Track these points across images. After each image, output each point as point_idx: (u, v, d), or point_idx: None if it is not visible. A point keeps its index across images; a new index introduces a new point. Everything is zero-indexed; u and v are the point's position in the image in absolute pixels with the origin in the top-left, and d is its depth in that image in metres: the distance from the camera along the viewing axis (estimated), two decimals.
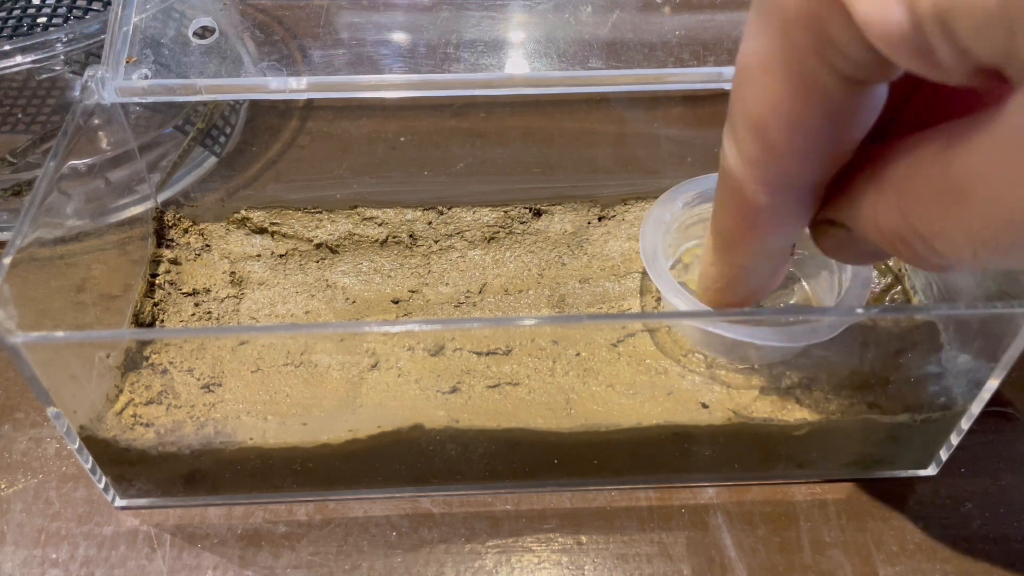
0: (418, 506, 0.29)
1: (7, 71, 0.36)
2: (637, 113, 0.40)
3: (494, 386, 0.29)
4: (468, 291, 0.34)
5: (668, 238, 0.32)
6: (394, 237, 0.35)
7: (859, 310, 0.30)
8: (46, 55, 0.36)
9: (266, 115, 0.42)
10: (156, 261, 0.34)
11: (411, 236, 0.35)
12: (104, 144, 0.33)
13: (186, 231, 0.36)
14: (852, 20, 0.16)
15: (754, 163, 0.21)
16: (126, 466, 0.28)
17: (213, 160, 0.40)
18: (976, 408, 0.28)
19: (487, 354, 0.29)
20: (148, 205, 0.36)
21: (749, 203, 0.22)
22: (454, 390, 0.28)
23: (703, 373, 0.29)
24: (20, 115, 0.40)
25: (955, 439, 0.29)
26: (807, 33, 0.17)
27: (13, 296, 0.25)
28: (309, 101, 0.42)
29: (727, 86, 0.32)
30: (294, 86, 0.32)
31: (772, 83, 0.19)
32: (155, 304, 0.33)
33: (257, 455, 0.28)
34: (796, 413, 0.28)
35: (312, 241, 0.35)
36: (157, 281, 0.34)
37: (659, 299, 0.32)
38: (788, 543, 0.28)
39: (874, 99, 0.18)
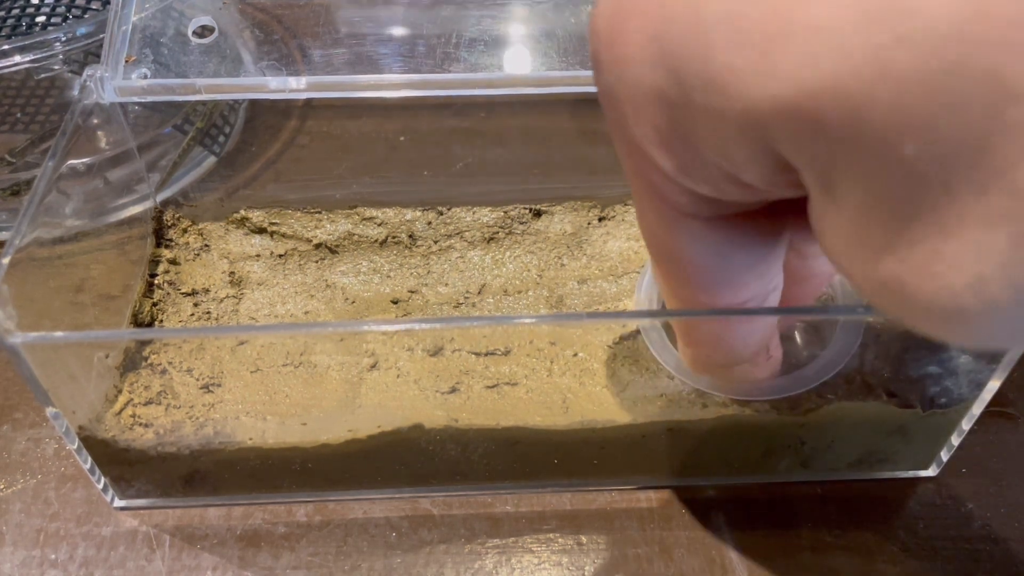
0: (418, 506, 0.29)
1: (6, 70, 0.35)
2: None
3: (493, 386, 0.29)
4: (467, 291, 0.34)
5: None
6: (394, 237, 0.35)
7: (859, 310, 0.30)
8: (45, 54, 0.36)
9: (266, 115, 0.42)
10: (155, 261, 0.34)
11: (411, 236, 0.35)
12: (103, 144, 0.33)
13: (185, 231, 0.36)
14: (660, 170, 0.18)
15: (666, 277, 0.22)
16: (125, 466, 0.28)
17: (212, 160, 0.40)
18: (977, 408, 0.28)
19: (486, 354, 0.29)
20: (147, 205, 0.36)
21: (692, 302, 0.23)
22: (453, 390, 0.28)
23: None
24: (19, 115, 0.40)
25: (956, 439, 0.29)
26: (639, 180, 0.19)
27: (12, 296, 0.25)
28: (309, 101, 0.42)
29: None
30: (294, 86, 0.31)
31: (641, 215, 0.20)
32: (154, 304, 0.33)
33: (256, 455, 0.28)
34: (798, 407, 0.28)
35: (311, 241, 0.35)
36: (156, 281, 0.34)
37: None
38: (789, 543, 0.28)
39: (726, 229, 0.19)
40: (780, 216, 0.20)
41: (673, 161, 0.17)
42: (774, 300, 0.23)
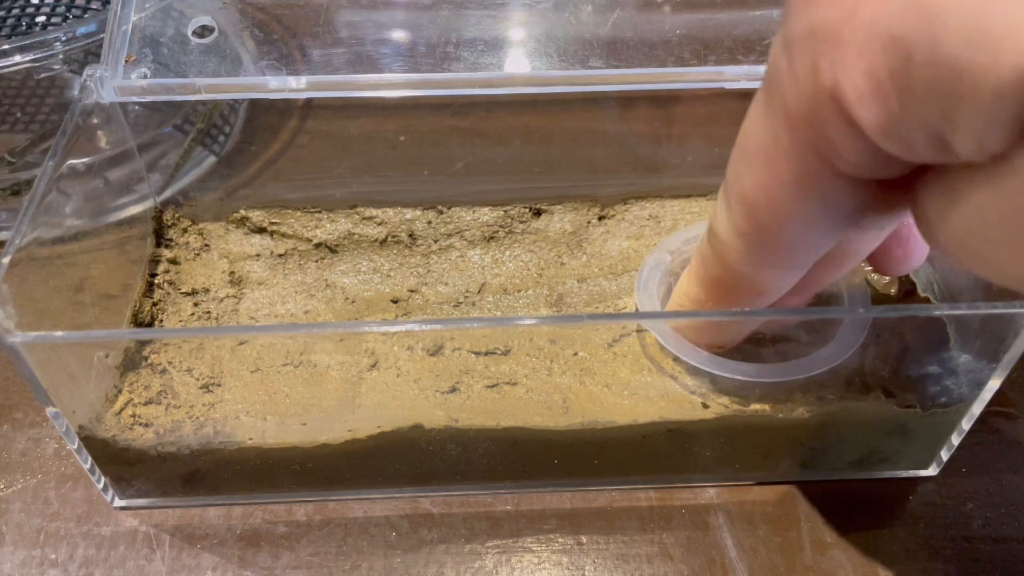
0: (418, 506, 0.29)
1: (6, 70, 0.35)
2: (637, 112, 0.40)
3: (492, 386, 0.29)
4: (467, 291, 0.34)
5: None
6: (393, 237, 0.35)
7: (860, 309, 0.30)
8: (45, 54, 0.36)
9: (265, 114, 0.42)
10: (155, 261, 0.34)
11: (410, 236, 0.35)
12: (103, 143, 0.33)
13: (185, 231, 0.36)
14: (853, 124, 0.17)
15: (742, 236, 0.22)
16: (125, 466, 0.28)
17: (212, 159, 0.40)
18: (977, 408, 0.28)
19: (486, 354, 0.29)
20: (147, 204, 0.36)
21: (730, 269, 0.23)
22: (453, 390, 0.28)
23: (701, 370, 0.29)
24: (19, 114, 0.40)
25: (956, 439, 0.29)
26: (810, 132, 0.18)
27: (12, 296, 0.25)
28: (308, 100, 0.42)
29: (728, 85, 0.32)
30: (293, 85, 0.31)
31: (770, 172, 0.19)
32: (154, 304, 0.33)
33: (256, 455, 0.28)
34: (798, 407, 0.28)
35: (311, 241, 0.35)
36: (156, 281, 0.34)
37: None
38: (789, 543, 0.28)
39: (866, 194, 0.19)
40: (882, 194, 0.19)
41: (879, 112, 0.16)
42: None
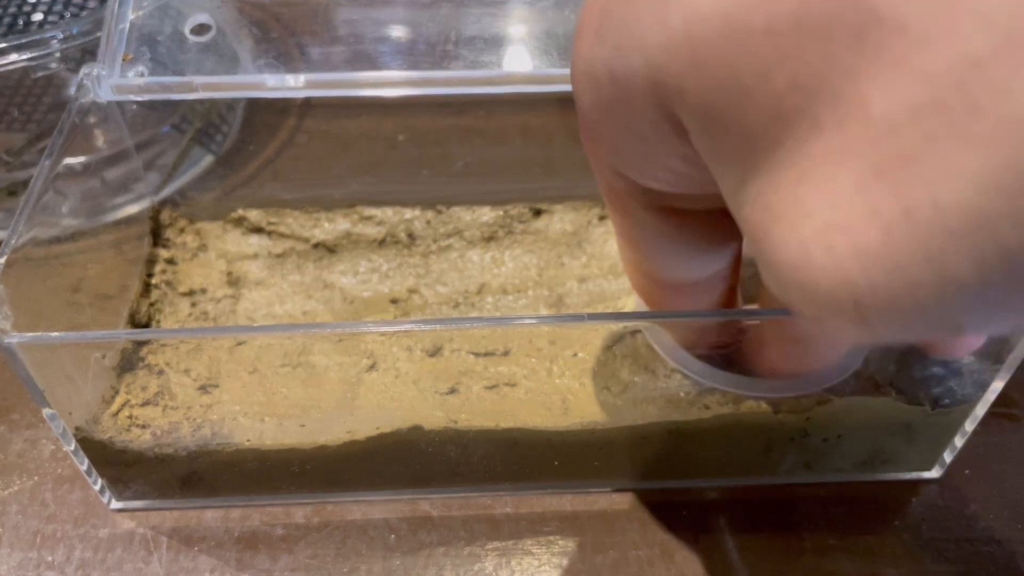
0: (417, 508, 0.29)
1: (2, 69, 0.35)
2: None
3: (492, 387, 0.28)
4: (467, 291, 0.33)
5: None
6: (392, 236, 0.35)
7: None
8: (42, 53, 0.36)
9: (264, 113, 0.42)
10: (152, 261, 0.34)
11: (410, 235, 0.35)
12: (100, 143, 0.33)
13: (182, 231, 0.35)
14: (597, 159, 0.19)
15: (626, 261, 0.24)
16: (122, 468, 0.28)
17: (210, 159, 0.39)
18: (981, 409, 0.27)
19: (485, 355, 0.29)
20: (144, 204, 0.36)
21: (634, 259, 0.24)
22: (452, 391, 0.28)
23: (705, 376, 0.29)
24: (15, 113, 0.40)
25: (959, 441, 0.29)
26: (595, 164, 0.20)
27: (8, 296, 0.24)
28: (307, 99, 0.42)
29: None
30: (292, 84, 0.31)
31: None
32: (151, 304, 0.33)
33: (254, 457, 0.28)
34: (801, 407, 0.28)
35: (310, 241, 0.35)
36: (153, 281, 0.33)
37: None
38: (791, 545, 0.28)
39: (669, 219, 0.20)
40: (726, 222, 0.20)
41: (605, 148, 0.18)
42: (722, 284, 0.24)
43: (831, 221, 0.12)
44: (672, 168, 0.17)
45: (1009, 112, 0.10)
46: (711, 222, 0.20)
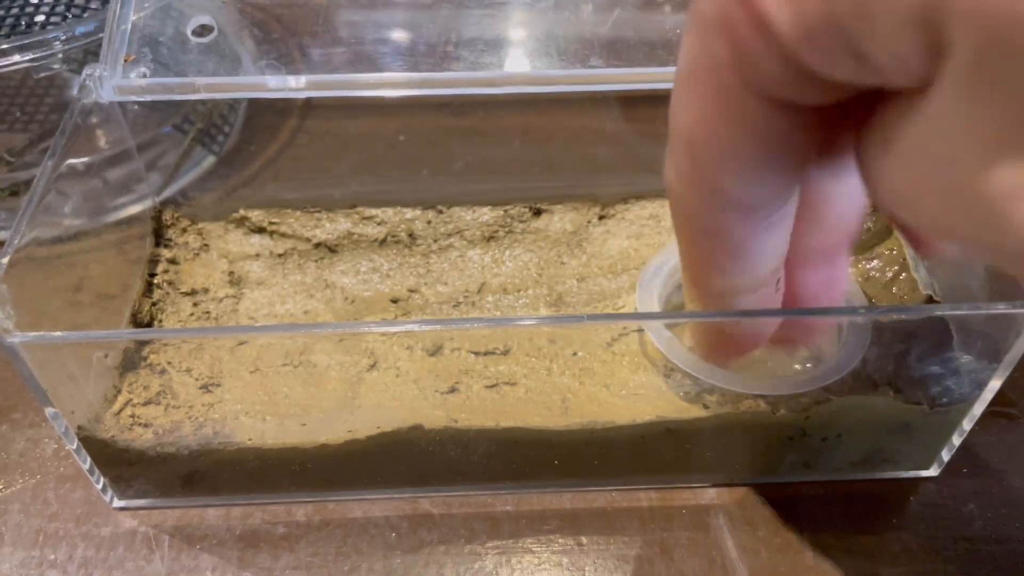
0: (417, 507, 0.29)
1: (5, 69, 0.35)
2: (637, 112, 0.40)
3: (492, 386, 0.28)
4: (467, 290, 0.34)
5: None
6: (393, 236, 0.35)
7: (860, 309, 0.30)
8: (44, 53, 0.36)
9: (265, 114, 0.42)
10: (154, 261, 0.34)
11: (410, 235, 0.35)
12: (102, 143, 0.33)
13: (184, 230, 0.36)
14: (765, 28, 0.15)
15: (689, 180, 0.20)
16: (124, 467, 0.28)
17: (212, 159, 0.39)
18: (978, 409, 0.28)
19: (485, 354, 0.29)
20: (146, 204, 0.36)
21: (695, 227, 0.21)
22: (452, 390, 0.28)
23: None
24: (18, 114, 0.40)
25: (957, 439, 0.29)
26: (725, 44, 0.16)
27: (11, 296, 0.25)
28: (308, 100, 0.42)
29: None
30: (293, 85, 0.31)
31: (696, 96, 0.18)
32: (153, 304, 0.33)
33: (256, 456, 0.28)
34: (800, 406, 0.28)
35: (311, 240, 0.35)
36: (155, 281, 0.34)
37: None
38: (790, 544, 0.28)
39: (800, 125, 0.17)
40: (842, 121, 0.18)
41: (790, 11, 0.15)
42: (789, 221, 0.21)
43: None
44: (869, 59, 0.14)
45: None
46: (824, 119, 0.17)
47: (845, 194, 0.22)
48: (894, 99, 0.15)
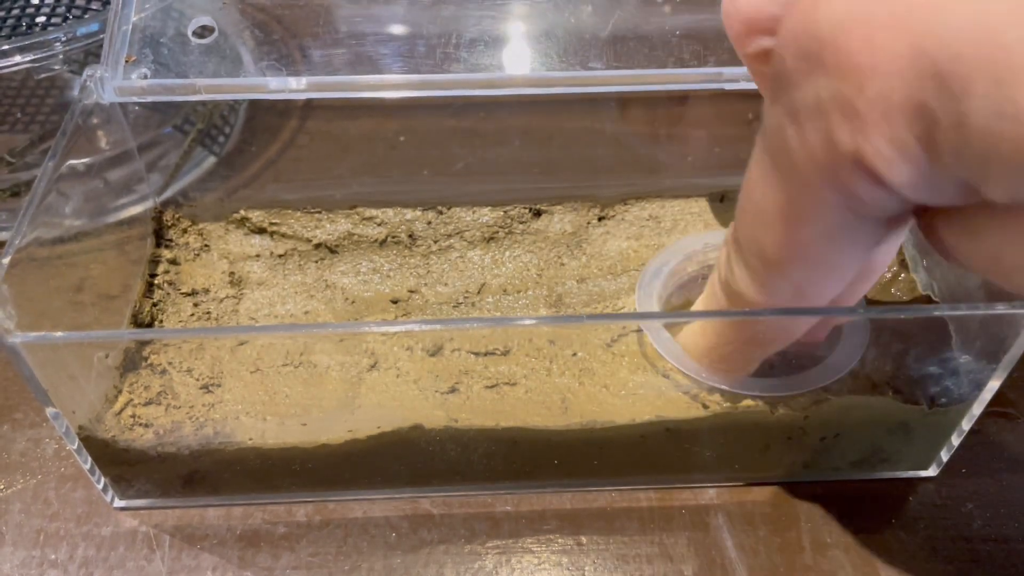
0: (418, 507, 0.29)
1: (6, 70, 0.35)
2: (637, 113, 0.40)
3: (492, 386, 0.29)
4: (467, 291, 0.34)
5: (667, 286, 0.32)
6: (393, 237, 0.35)
7: (860, 310, 0.30)
8: (45, 54, 0.36)
9: (265, 115, 0.42)
10: (155, 261, 0.34)
11: (410, 236, 0.35)
12: (103, 144, 0.33)
13: (185, 231, 0.36)
14: (881, 182, 0.17)
15: (769, 291, 0.22)
16: (125, 467, 0.28)
17: (212, 160, 0.40)
18: (977, 409, 0.28)
19: (485, 354, 0.29)
20: (147, 205, 0.36)
21: (761, 323, 0.23)
22: (452, 390, 0.28)
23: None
24: (19, 115, 0.40)
25: (956, 439, 0.29)
26: (835, 193, 0.18)
27: (12, 296, 0.25)
28: (308, 101, 0.42)
29: (727, 86, 0.32)
30: (293, 86, 0.31)
31: (794, 232, 0.20)
32: (154, 304, 0.33)
33: (256, 456, 0.28)
34: (799, 405, 0.28)
35: (311, 241, 0.35)
36: (156, 281, 0.34)
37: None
38: (789, 544, 0.28)
39: (891, 225, 0.19)
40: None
41: (908, 172, 0.16)
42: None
43: None
44: (986, 194, 0.16)
45: None
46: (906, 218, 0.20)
47: (890, 251, 0.25)
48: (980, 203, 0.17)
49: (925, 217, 0.19)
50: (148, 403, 0.28)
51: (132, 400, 0.28)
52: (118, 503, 0.29)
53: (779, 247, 0.20)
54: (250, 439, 0.28)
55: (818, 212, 0.19)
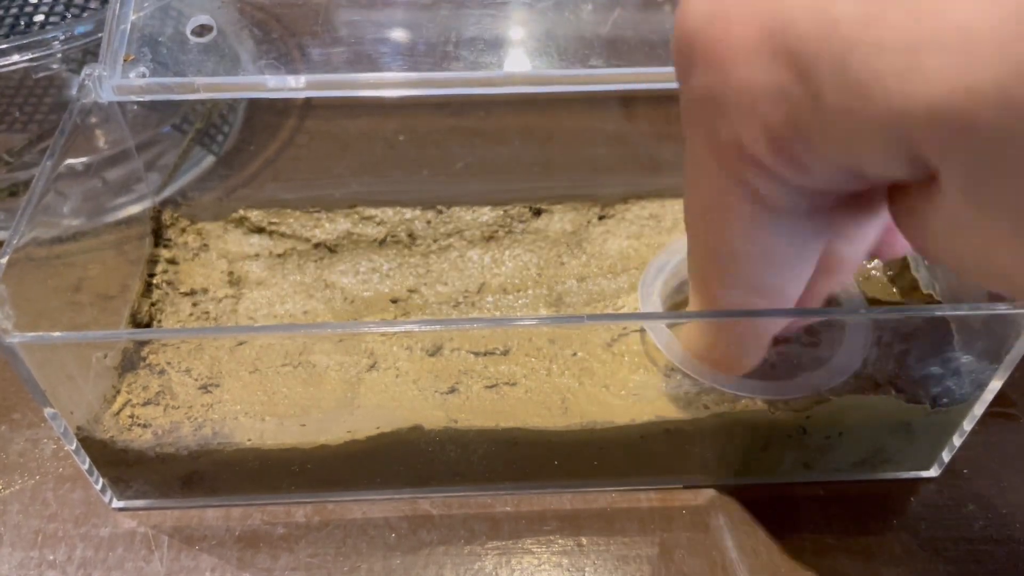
0: (417, 507, 0.29)
1: (3, 69, 0.35)
2: (637, 111, 0.40)
3: (492, 386, 0.28)
4: (467, 290, 0.34)
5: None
6: (393, 236, 0.35)
7: (862, 310, 0.30)
8: (43, 53, 0.36)
9: (264, 114, 0.42)
10: (153, 261, 0.34)
11: (410, 235, 0.35)
12: (101, 143, 0.33)
13: (184, 231, 0.35)
14: (769, 170, 0.17)
15: (722, 282, 0.22)
16: (124, 467, 0.28)
17: (211, 159, 0.39)
18: (979, 409, 0.28)
19: (485, 354, 0.29)
20: (145, 204, 0.36)
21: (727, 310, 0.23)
22: (452, 390, 0.28)
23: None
24: (17, 114, 0.40)
25: (957, 440, 0.29)
26: (738, 183, 0.18)
27: (10, 296, 0.25)
28: (307, 100, 0.42)
29: None
30: (292, 85, 0.31)
31: (720, 223, 0.20)
32: (152, 304, 0.33)
33: (255, 456, 0.28)
34: (800, 405, 0.28)
35: (310, 240, 0.35)
36: (154, 281, 0.33)
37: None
38: (790, 544, 0.28)
39: (825, 214, 0.19)
40: (851, 202, 0.20)
41: (784, 157, 0.17)
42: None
43: None
44: (868, 176, 0.17)
45: None
46: (837, 210, 0.20)
47: (858, 246, 0.24)
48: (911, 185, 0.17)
49: (892, 214, 0.19)
50: (146, 403, 0.28)
51: (130, 400, 0.28)
52: (116, 504, 0.29)
53: (713, 247, 0.21)
54: (249, 439, 0.27)
55: (732, 209, 0.19)
